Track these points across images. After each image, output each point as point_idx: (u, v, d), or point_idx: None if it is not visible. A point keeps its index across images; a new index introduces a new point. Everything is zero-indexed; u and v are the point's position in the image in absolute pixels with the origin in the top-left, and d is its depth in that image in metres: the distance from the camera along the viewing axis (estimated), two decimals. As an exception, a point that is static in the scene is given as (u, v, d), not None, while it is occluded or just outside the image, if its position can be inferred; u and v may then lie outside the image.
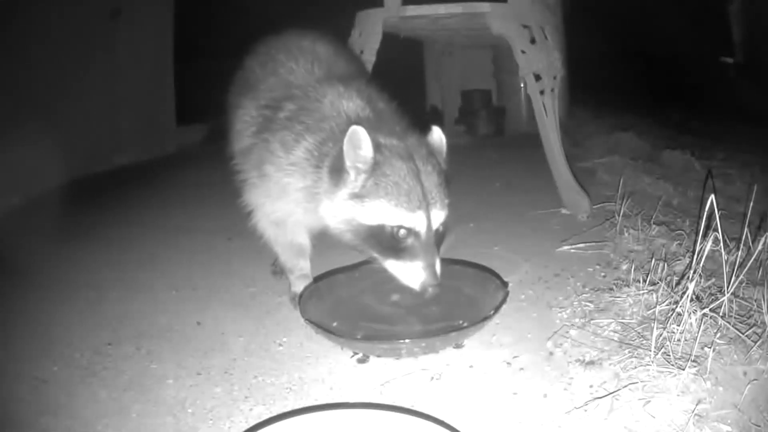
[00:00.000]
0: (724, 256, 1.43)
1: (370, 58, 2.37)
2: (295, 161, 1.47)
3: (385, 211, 1.33)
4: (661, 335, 1.32)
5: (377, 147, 1.34)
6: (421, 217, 1.34)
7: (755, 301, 1.44)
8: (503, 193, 2.84)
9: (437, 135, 1.49)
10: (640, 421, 1.12)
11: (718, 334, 1.32)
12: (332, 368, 1.40)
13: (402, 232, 1.34)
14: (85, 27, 3.59)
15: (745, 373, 1.22)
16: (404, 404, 1.23)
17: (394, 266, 1.38)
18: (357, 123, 1.41)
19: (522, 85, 4.19)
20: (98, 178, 3.64)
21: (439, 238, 1.41)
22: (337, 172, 1.37)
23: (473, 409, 1.20)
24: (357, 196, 1.35)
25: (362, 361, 1.41)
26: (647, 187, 2.61)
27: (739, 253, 1.59)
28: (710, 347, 1.26)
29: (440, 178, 1.41)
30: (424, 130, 1.50)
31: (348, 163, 1.34)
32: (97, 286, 1.97)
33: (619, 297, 1.57)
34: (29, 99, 3.14)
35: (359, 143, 1.32)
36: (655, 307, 1.45)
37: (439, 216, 1.38)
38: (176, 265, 2.14)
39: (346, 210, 1.37)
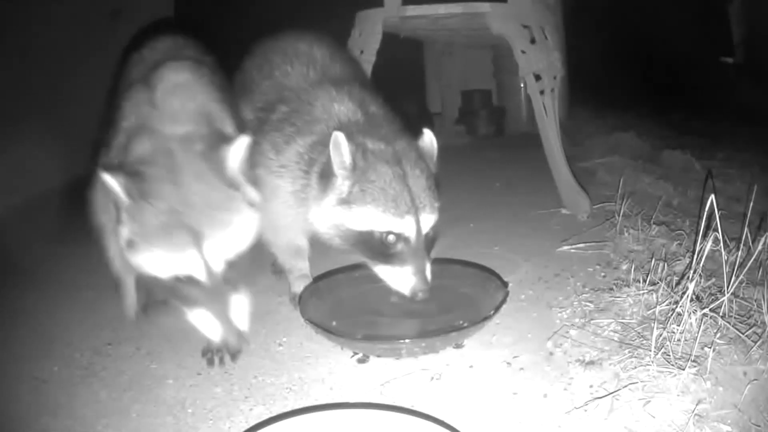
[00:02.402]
0: (724, 256, 1.43)
1: (370, 58, 2.37)
2: (285, 163, 1.48)
3: (374, 217, 1.33)
4: (661, 335, 1.32)
5: (363, 152, 1.35)
6: (410, 222, 1.34)
7: (755, 301, 1.44)
8: (503, 193, 2.84)
9: (428, 138, 1.49)
10: (640, 421, 1.12)
11: (718, 334, 1.33)
12: (332, 368, 1.40)
13: (391, 237, 1.34)
14: (85, 27, 3.59)
15: (745, 373, 1.22)
16: (404, 404, 1.23)
17: (384, 271, 1.39)
18: (347, 127, 1.42)
19: (522, 85, 4.18)
20: (98, 178, 3.64)
21: (429, 242, 1.41)
22: (326, 177, 1.38)
23: (473, 409, 1.20)
24: (345, 202, 1.36)
25: (362, 361, 1.41)
26: (647, 187, 2.61)
27: (739, 253, 1.59)
28: (710, 347, 1.26)
29: (429, 181, 1.40)
30: (417, 133, 1.50)
31: (335, 167, 1.34)
32: (97, 286, 1.96)
33: (619, 297, 1.57)
34: (29, 99, 3.14)
35: (339, 148, 1.32)
36: (655, 307, 1.45)
37: (428, 220, 1.38)
38: (176, 265, 2.13)
39: (334, 215, 1.37)
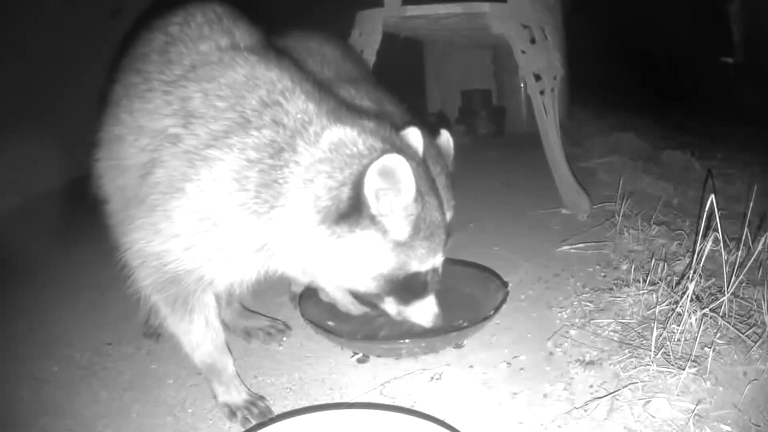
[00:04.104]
0: (724, 256, 1.43)
1: (370, 58, 2.37)
2: None
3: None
4: (661, 335, 1.32)
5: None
6: None
7: (755, 301, 1.44)
8: (503, 193, 2.84)
9: (445, 138, 1.50)
10: (640, 421, 1.12)
11: (718, 334, 1.33)
12: (332, 368, 1.40)
13: None
14: (84, 26, 3.59)
15: (745, 373, 1.22)
16: (404, 404, 1.23)
17: None
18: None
19: (522, 85, 4.19)
20: (98, 178, 3.63)
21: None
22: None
23: (473, 409, 1.20)
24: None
25: (362, 361, 1.41)
26: (647, 187, 2.61)
27: (739, 253, 1.59)
28: (710, 347, 1.26)
29: (448, 180, 1.42)
30: (433, 132, 1.50)
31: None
32: (97, 286, 1.97)
33: (619, 297, 1.57)
34: (29, 99, 3.14)
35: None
36: (655, 307, 1.45)
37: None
38: (176, 265, 2.13)
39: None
